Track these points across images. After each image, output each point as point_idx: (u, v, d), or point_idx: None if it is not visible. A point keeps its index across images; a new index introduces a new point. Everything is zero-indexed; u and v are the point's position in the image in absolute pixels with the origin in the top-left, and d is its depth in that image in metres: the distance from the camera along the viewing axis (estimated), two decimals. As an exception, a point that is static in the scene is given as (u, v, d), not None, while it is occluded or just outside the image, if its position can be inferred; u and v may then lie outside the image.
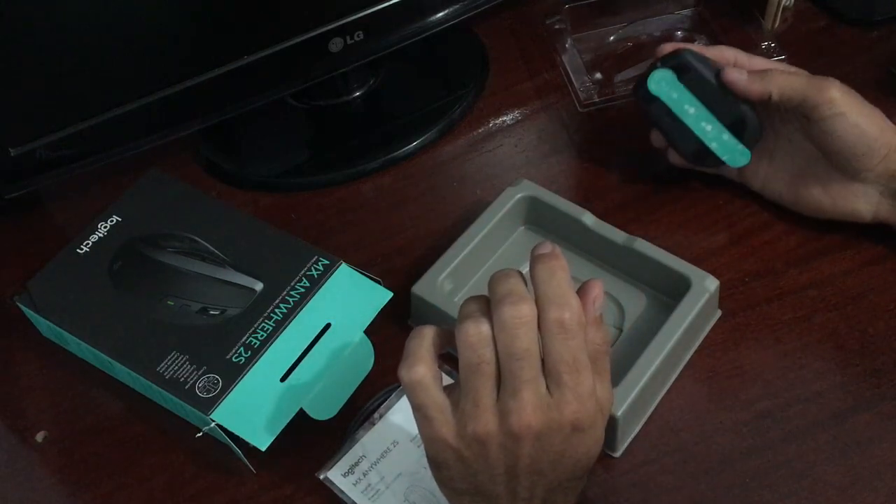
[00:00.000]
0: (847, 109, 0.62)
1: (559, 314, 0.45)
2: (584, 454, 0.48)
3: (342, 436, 0.59)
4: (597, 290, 0.48)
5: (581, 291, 0.48)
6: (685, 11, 0.85)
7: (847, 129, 0.62)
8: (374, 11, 0.72)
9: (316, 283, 0.64)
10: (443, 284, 0.64)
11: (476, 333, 0.46)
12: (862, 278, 0.66)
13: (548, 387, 0.46)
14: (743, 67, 0.66)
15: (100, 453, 0.63)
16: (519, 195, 0.68)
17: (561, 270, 0.47)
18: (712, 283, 0.62)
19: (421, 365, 0.47)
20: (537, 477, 0.47)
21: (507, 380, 0.46)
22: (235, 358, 0.61)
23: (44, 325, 0.67)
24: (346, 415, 0.61)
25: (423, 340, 0.48)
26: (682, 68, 0.66)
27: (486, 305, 0.47)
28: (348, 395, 0.62)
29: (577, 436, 0.47)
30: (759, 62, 0.67)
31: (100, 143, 0.69)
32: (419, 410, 0.48)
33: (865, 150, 0.63)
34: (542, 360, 0.46)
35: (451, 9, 0.76)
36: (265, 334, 0.62)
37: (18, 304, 0.66)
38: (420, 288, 0.64)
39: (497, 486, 0.47)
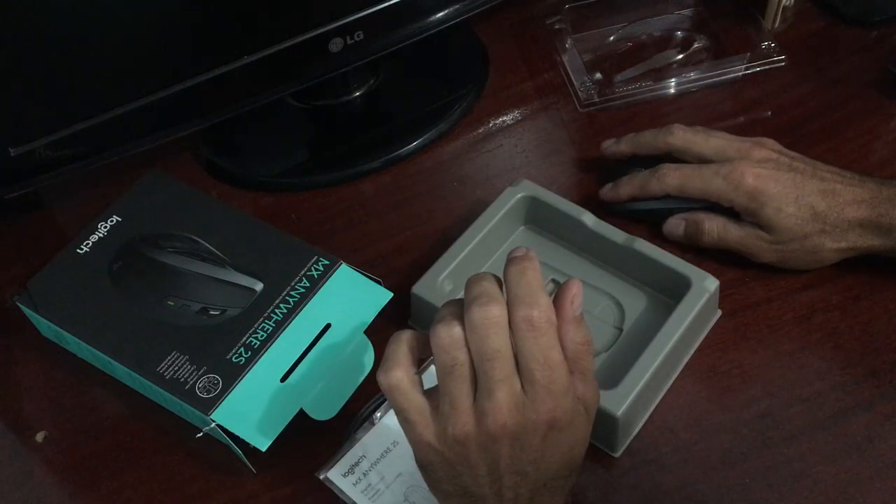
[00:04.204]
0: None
1: (527, 312, 0.46)
2: (566, 453, 0.48)
3: (342, 436, 0.59)
4: (575, 290, 0.48)
5: (559, 291, 0.48)
6: (685, 11, 0.85)
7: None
8: (374, 11, 0.72)
9: (316, 284, 0.64)
10: (443, 284, 0.64)
11: (448, 336, 0.46)
12: (862, 278, 0.66)
13: (523, 386, 0.46)
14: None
15: (100, 453, 0.63)
16: (519, 195, 0.68)
17: (531, 271, 0.47)
18: (712, 283, 0.62)
19: (398, 369, 0.48)
20: (520, 477, 0.47)
21: (482, 381, 0.46)
22: (235, 358, 0.61)
23: (44, 325, 0.67)
24: (346, 415, 0.61)
25: (401, 345, 0.49)
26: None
27: (461, 309, 0.47)
28: (348, 396, 0.62)
29: (555, 434, 0.47)
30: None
31: (100, 143, 0.69)
32: (400, 414, 0.48)
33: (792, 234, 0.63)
34: (516, 360, 0.46)
35: (451, 9, 0.76)
36: (265, 334, 0.62)
37: (18, 304, 0.66)
38: (420, 288, 0.64)
39: (482, 487, 0.48)
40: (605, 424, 0.57)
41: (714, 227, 0.66)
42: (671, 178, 0.67)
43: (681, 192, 0.66)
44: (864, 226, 0.62)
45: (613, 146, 0.72)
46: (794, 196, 0.63)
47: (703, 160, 0.67)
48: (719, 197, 0.65)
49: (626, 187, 0.69)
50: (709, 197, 0.65)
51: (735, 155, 0.65)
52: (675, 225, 0.68)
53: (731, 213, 0.66)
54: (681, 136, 0.68)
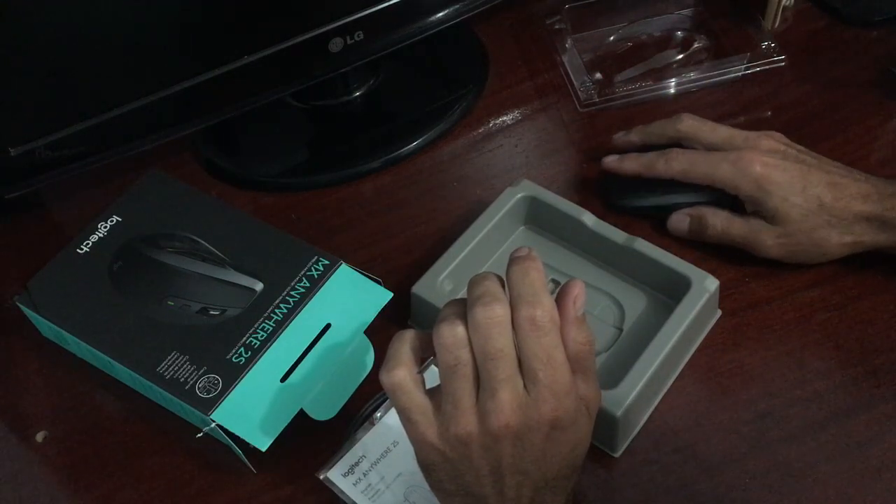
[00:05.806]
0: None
1: (530, 312, 0.46)
2: (568, 452, 0.48)
3: (342, 436, 0.59)
4: (577, 290, 0.48)
5: (561, 291, 0.48)
6: (685, 11, 0.85)
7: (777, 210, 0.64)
8: (374, 11, 0.72)
9: (316, 284, 0.64)
10: (443, 284, 0.64)
11: (451, 335, 0.46)
12: (862, 278, 0.66)
13: (525, 386, 0.46)
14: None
15: (100, 453, 0.63)
16: (519, 195, 0.68)
17: (535, 271, 0.47)
18: (712, 283, 0.62)
19: (401, 368, 0.48)
20: (522, 477, 0.47)
21: (485, 380, 0.46)
22: (235, 358, 0.61)
23: (44, 325, 0.67)
24: (346, 415, 0.61)
25: (404, 344, 0.49)
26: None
27: (464, 308, 0.47)
28: (348, 396, 0.62)
29: (557, 434, 0.47)
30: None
31: (100, 143, 0.69)
32: (402, 413, 0.48)
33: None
34: (519, 360, 0.46)
35: (451, 9, 0.76)
36: (265, 334, 0.62)
37: (18, 304, 0.66)
38: (420, 288, 0.64)
39: (484, 487, 0.48)
40: (605, 424, 0.57)
41: (718, 221, 0.66)
42: (678, 161, 0.66)
43: (687, 176, 0.66)
44: (870, 220, 0.62)
45: (624, 137, 0.72)
46: (801, 186, 0.63)
47: (711, 148, 0.67)
48: (725, 183, 0.65)
49: (632, 163, 0.69)
50: (714, 183, 0.65)
51: (743, 144, 0.65)
52: (680, 220, 0.68)
53: (736, 208, 0.65)
54: (690, 124, 0.68)
